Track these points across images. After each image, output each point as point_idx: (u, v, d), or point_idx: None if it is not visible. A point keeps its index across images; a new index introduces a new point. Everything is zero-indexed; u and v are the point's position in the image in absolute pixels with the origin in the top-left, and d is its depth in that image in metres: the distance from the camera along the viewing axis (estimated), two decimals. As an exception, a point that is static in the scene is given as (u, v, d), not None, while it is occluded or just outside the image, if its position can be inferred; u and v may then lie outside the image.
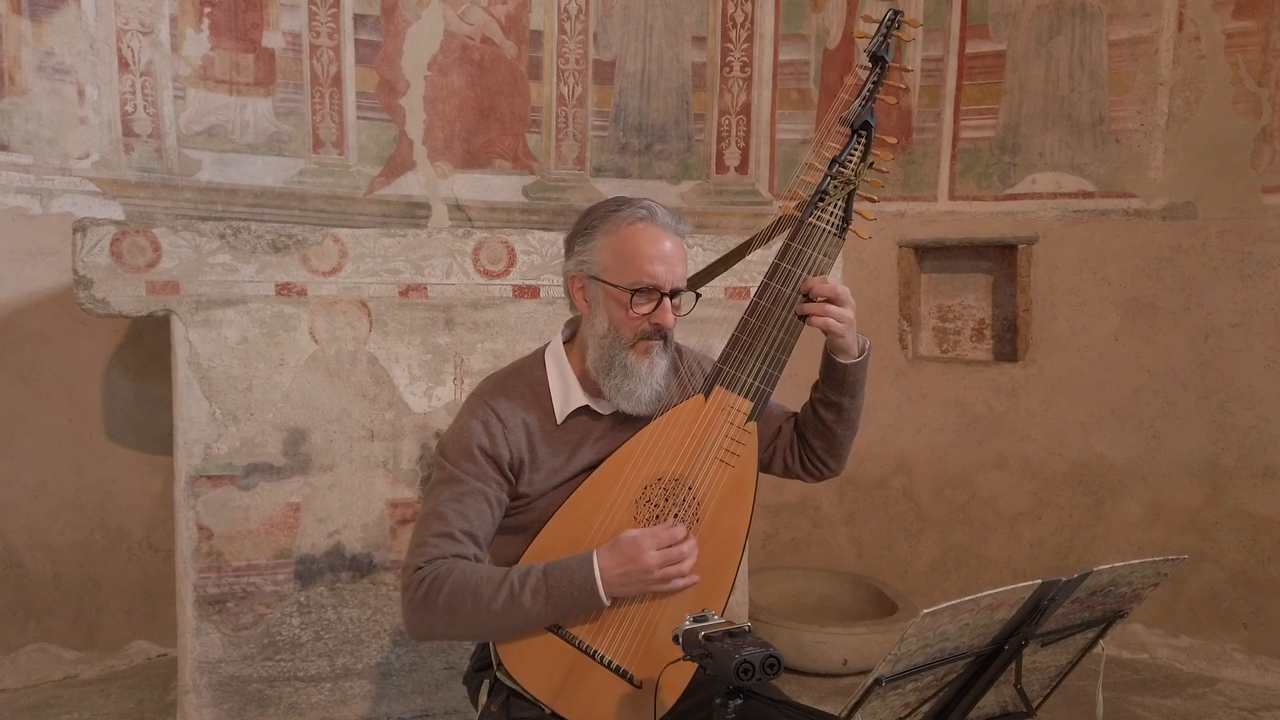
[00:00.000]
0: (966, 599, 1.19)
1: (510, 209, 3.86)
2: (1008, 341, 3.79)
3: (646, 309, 1.62)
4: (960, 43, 3.73)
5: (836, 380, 1.73)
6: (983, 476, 3.75)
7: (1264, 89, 3.27)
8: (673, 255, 1.63)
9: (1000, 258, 3.78)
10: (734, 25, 3.94)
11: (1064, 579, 1.29)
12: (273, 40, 3.51)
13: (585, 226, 1.67)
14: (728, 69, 3.96)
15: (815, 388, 1.78)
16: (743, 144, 3.99)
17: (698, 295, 1.74)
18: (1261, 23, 3.27)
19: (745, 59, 3.95)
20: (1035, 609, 1.30)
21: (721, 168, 4.01)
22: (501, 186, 3.86)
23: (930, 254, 3.87)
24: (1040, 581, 1.27)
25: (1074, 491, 3.61)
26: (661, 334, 1.65)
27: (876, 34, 1.74)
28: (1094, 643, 1.49)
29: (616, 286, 1.62)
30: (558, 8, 3.84)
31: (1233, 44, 3.31)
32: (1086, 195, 3.58)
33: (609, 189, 3.91)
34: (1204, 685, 3.27)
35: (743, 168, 4.00)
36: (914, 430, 3.83)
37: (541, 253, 2.76)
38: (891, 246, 3.80)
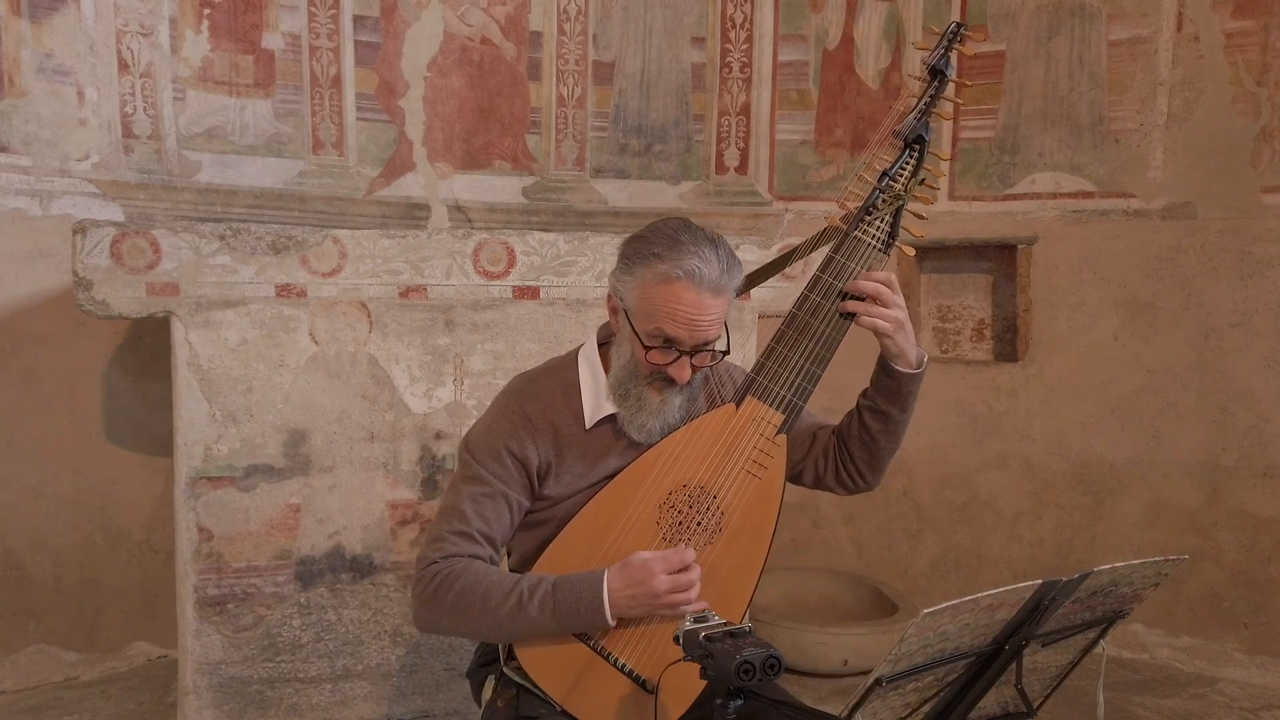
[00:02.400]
0: (967, 599, 1.19)
1: (510, 210, 3.86)
2: (1008, 341, 3.79)
3: (661, 360, 1.58)
4: (960, 43, 3.73)
5: (888, 389, 1.70)
6: (983, 476, 3.75)
7: (1263, 89, 3.27)
8: (704, 318, 1.54)
9: (1000, 258, 3.78)
10: (733, 26, 3.94)
11: (1064, 579, 1.29)
12: (272, 41, 3.51)
13: (632, 251, 1.59)
14: (727, 69, 3.96)
15: (864, 395, 1.74)
16: (742, 144, 3.99)
17: (725, 353, 1.64)
18: (1261, 23, 3.27)
19: (745, 59, 3.95)
20: (1036, 609, 1.30)
21: (721, 168, 4.01)
22: (501, 187, 3.86)
23: (930, 254, 3.87)
24: (1040, 582, 1.27)
25: (1074, 491, 3.61)
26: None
27: (937, 46, 1.69)
28: (1094, 643, 1.49)
29: (637, 332, 1.58)
30: (557, 8, 3.84)
31: (1232, 44, 3.31)
32: (1086, 195, 3.58)
33: (608, 190, 3.92)
34: (1204, 685, 3.27)
35: (742, 168, 4.00)
36: (914, 430, 3.78)
37: (541, 254, 2.76)
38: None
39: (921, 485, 3.84)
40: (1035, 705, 1.47)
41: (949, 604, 1.18)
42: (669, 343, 1.56)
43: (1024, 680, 1.39)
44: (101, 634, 3.28)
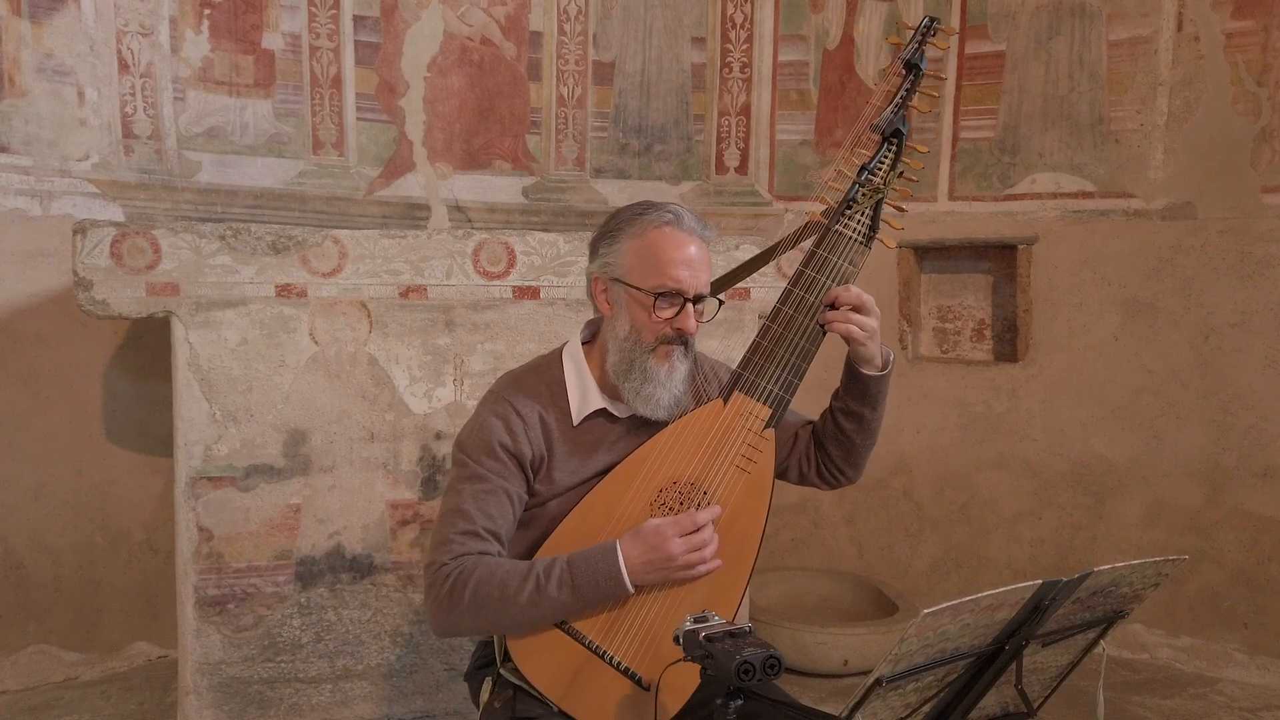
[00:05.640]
0: (967, 599, 1.19)
1: (510, 210, 3.86)
2: (1008, 341, 3.79)
3: (669, 313, 1.62)
4: (960, 43, 3.73)
5: (858, 391, 1.72)
6: (983, 476, 3.75)
7: (1264, 89, 3.27)
8: (697, 261, 1.63)
9: (1000, 258, 3.78)
10: (733, 26, 3.94)
11: (1064, 579, 1.29)
12: (272, 41, 3.51)
13: (611, 229, 1.67)
14: (727, 69, 3.96)
15: (836, 396, 1.77)
16: (742, 145, 3.99)
17: (721, 302, 1.73)
18: (1261, 22, 3.27)
19: (745, 59, 3.95)
20: (1036, 609, 1.30)
21: (721, 168, 4.01)
22: (501, 187, 3.86)
23: (930, 254, 3.87)
24: (1041, 582, 1.27)
25: (1074, 491, 3.61)
26: (683, 339, 1.64)
27: (911, 41, 1.73)
28: (1095, 643, 1.49)
29: (640, 289, 1.62)
30: (557, 9, 3.84)
31: (1232, 44, 3.31)
32: (1086, 195, 3.58)
33: (609, 190, 3.92)
34: (1204, 685, 3.27)
35: (742, 168, 4.00)
36: (914, 430, 3.83)
37: (541, 254, 2.76)
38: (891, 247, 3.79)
39: (921, 485, 3.84)
40: (1035, 705, 1.47)
41: (949, 604, 1.18)
42: (674, 294, 1.61)
43: (1024, 680, 1.39)
44: (101, 634, 3.28)
